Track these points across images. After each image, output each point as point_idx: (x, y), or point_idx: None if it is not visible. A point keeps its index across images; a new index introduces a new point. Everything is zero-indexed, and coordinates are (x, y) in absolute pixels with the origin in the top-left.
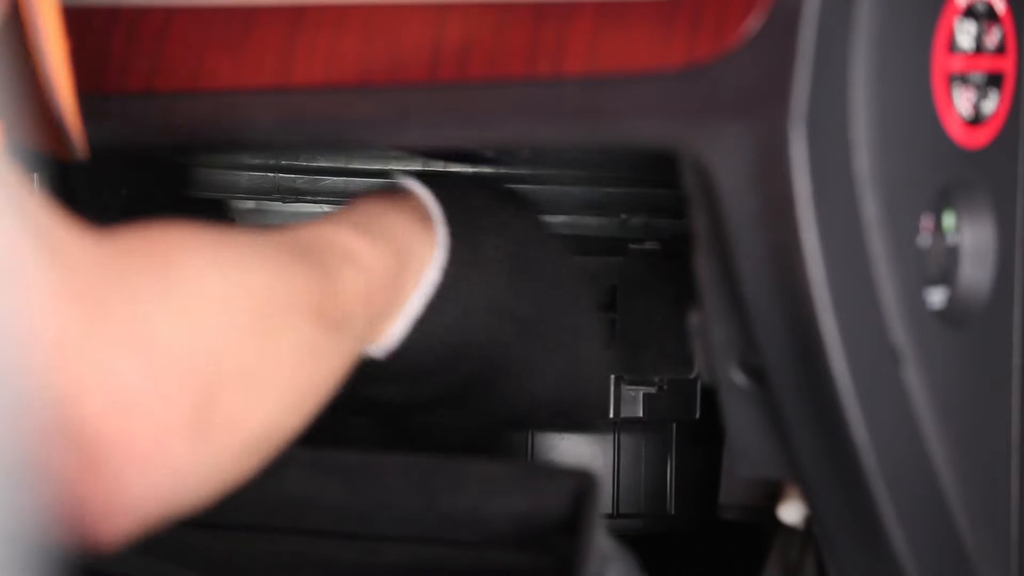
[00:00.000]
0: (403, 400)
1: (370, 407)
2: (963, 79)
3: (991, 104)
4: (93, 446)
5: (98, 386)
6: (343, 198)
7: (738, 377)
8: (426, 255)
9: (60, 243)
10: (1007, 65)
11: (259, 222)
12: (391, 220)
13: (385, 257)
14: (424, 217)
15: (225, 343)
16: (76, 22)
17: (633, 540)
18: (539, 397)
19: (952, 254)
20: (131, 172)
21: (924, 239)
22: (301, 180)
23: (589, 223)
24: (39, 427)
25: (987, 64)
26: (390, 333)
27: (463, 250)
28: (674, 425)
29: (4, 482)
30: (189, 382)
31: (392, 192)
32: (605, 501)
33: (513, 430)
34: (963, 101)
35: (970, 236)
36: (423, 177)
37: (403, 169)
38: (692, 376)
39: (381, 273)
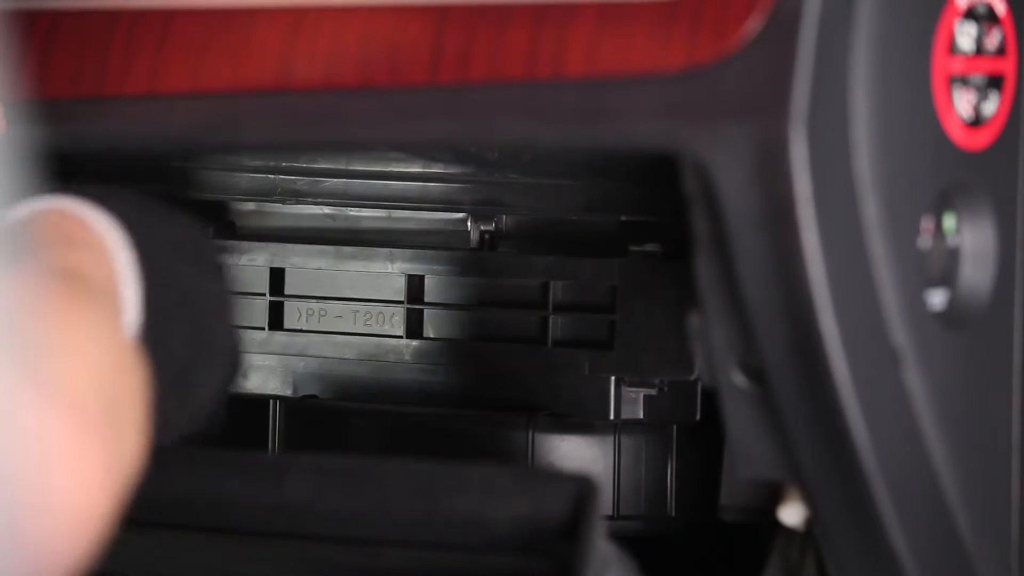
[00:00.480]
0: None
1: None
2: (963, 81)
3: (991, 106)
4: (9, 506)
5: (20, 441)
6: (344, 199)
7: (738, 379)
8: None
9: None
10: (1007, 67)
11: (260, 224)
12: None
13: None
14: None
15: (115, 384)
16: (76, 24)
17: (633, 541)
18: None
19: (952, 256)
20: (132, 174)
21: (924, 241)
22: (301, 182)
23: (589, 224)
24: None
25: (987, 66)
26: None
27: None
28: (675, 427)
29: None
30: (99, 432)
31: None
32: (605, 502)
33: None
34: (963, 103)
35: (970, 238)
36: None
37: (403, 170)
38: (692, 378)
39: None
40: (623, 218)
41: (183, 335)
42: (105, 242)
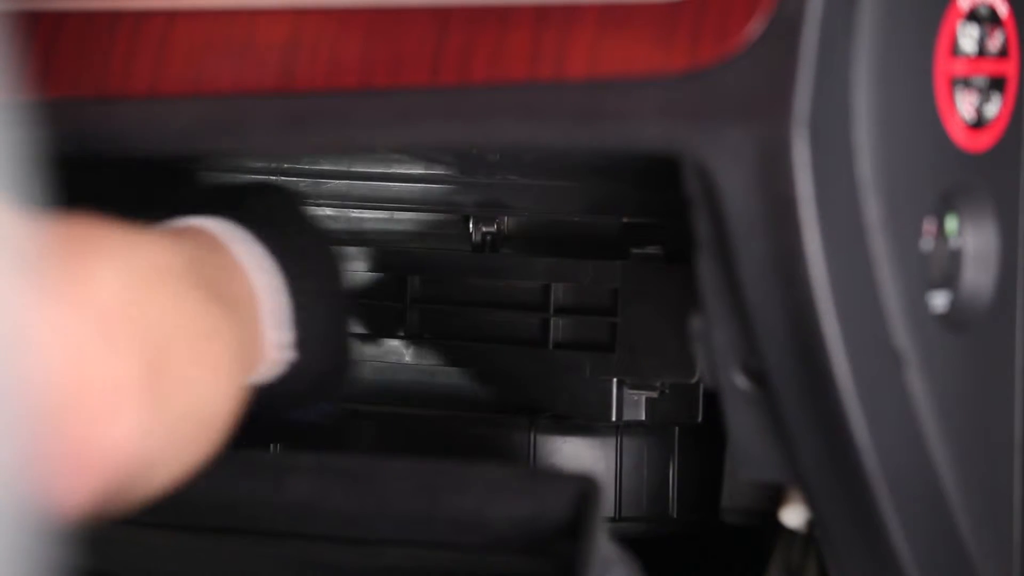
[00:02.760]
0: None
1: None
2: (966, 83)
3: (994, 108)
4: (45, 399)
5: (49, 339)
6: (345, 201)
7: (740, 381)
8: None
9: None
10: (1010, 69)
11: None
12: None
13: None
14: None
15: (167, 313)
16: (78, 26)
17: (635, 543)
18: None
19: (954, 258)
20: (134, 176)
21: (926, 243)
22: (303, 183)
23: (590, 226)
24: None
25: (990, 68)
26: (271, 357)
27: (291, 268)
28: (676, 429)
29: None
30: (134, 340)
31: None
32: (607, 504)
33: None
34: (966, 105)
35: (973, 240)
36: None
37: (405, 172)
38: (694, 381)
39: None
40: (625, 220)
41: (322, 347)
42: (246, 265)
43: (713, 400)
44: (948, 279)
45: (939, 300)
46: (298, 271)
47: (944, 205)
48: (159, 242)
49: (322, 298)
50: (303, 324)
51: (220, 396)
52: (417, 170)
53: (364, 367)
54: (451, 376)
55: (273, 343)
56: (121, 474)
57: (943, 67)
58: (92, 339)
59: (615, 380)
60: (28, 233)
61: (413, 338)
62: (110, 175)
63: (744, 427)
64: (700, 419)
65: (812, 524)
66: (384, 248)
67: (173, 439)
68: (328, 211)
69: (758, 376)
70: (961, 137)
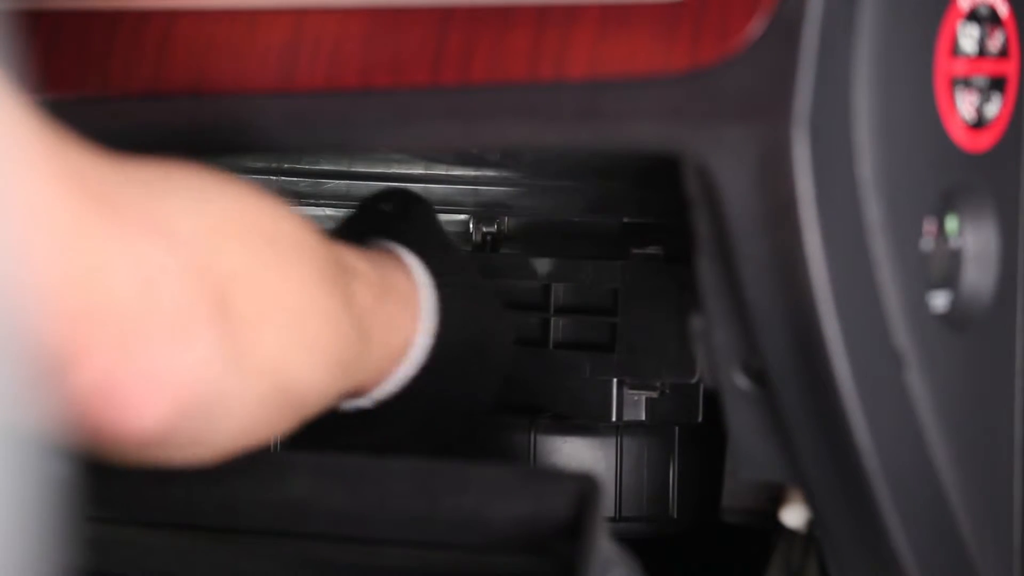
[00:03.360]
0: (388, 443)
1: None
2: (966, 83)
3: (994, 108)
4: (118, 321)
5: (120, 263)
6: (346, 201)
7: (740, 380)
8: (415, 318)
9: (70, 154)
10: (1010, 69)
11: None
12: (392, 278)
13: (384, 302)
14: (412, 282)
15: (240, 256)
16: (79, 25)
17: (635, 543)
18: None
19: (955, 258)
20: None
21: (927, 243)
22: (304, 183)
23: (591, 226)
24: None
25: (990, 68)
26: (381, 385)
27: (452, 315)
28: (676, 428)
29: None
30: (207, 275)
31: (385, 254)
32: (607, 504)
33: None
34: (966, 105)
35: (973, 240)
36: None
37: (406, 172)
38: (694, 381)
39: (383, 312)
40: (625, 220)
41: (472, 364)
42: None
43: (713, 400)
44: (948, 279)
45: (939, 300)
46: (440, 267)
47: (944, 205)
48: (265, 203)
49: (463, 289)
50: (445, 313)
51: (309, 369)
52: (417, 170)
53: None
54: None
55: (416, 330)
56: (191, 404)
57: (943, 67)
58: (164, 267)
59: (615, 380)
60: (104, 165)
61: None
62: None
63: (744, 427)
64: (700, 419)
65: (812, 524)
66: None
67: (247, 392)
68: (328, 211)
69: (758, 376)
70: (961, 137)
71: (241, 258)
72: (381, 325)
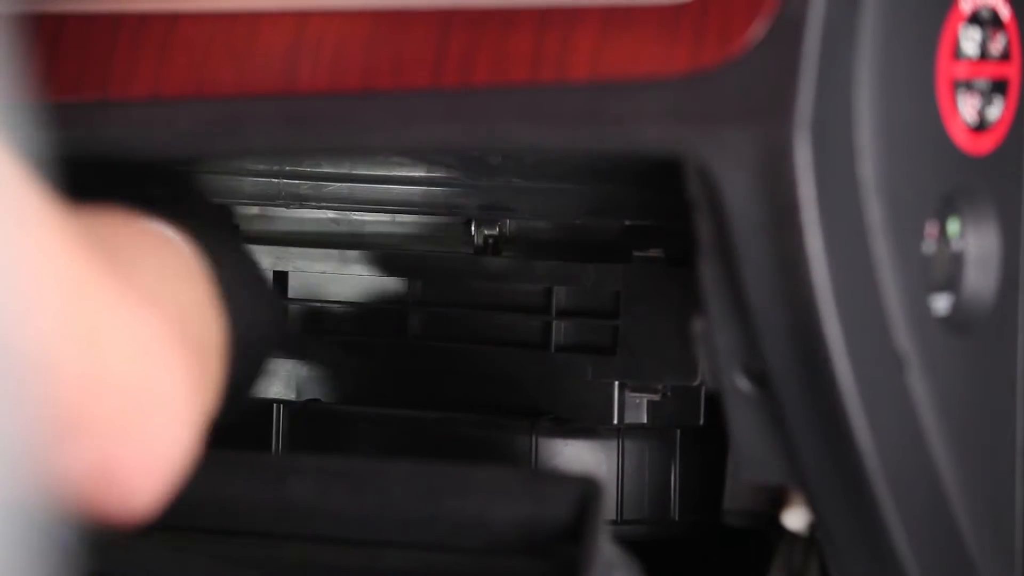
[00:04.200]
0: None
1: None
2: (968, 86)
3: (996, 111)
4: (116, 391)
5: (119, 330)
6: (347, 203)
7: (742, 383)
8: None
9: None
10: (1012, 72)
11: (263, 228)
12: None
13: None
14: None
15: (192, 307)
16: (81, 28)
17: (637, 546)
18: None
19: (956, 260)
20: (136, 178)
21: (928, 245)
22: (305, 186)
23: (593, 229)
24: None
25: (992, 71)
26: None
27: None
28: (678, 431)
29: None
30: (188, 340)
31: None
32: (609, 507)
33: None
34: (968, 108)
35: (974, 242)
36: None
37: (407, 174)
38: (696, 384)
39: None
40: (627, 223)
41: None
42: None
43: (715, 402)
44: (950, 282)
45: (941, 303)
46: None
47: (946, 208)
48: (174, 238)
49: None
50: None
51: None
52: (419, 173)
53: (365, 370)
54: (453, 379)
55: None
56: (179, 475)
57: (945, 70)
58: (156, 335)
59: (617, 383)
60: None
61: (415, 341)
62: (111, 177)
63: (746, 429)
64: (702, 421)
65: (814, 526)
66: (386, 251)
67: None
68: (330, 214)
69: (760, 378)
70: (963, 140)
71: (196, 307)
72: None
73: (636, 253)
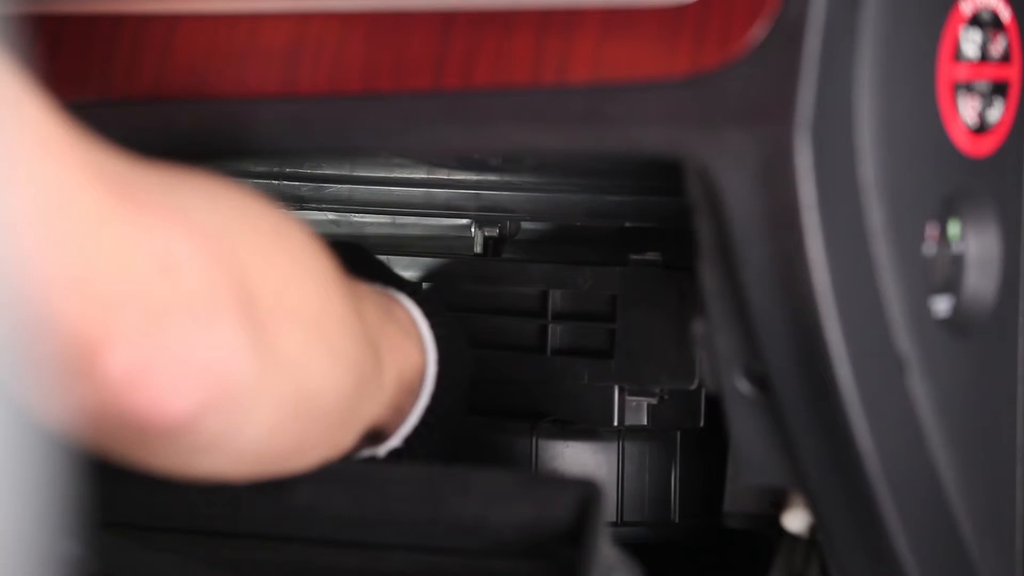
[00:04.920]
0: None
1: None
2: (968, 88)
3: (996, 113)
4: (143, 306)
5: (142, 249)
6: (348, 205)
7: (742, 385)
8: (418, 367)
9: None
10: (1012, 74)
11: None
12: (383, 298)
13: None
14: (417, 337)
15: (257, 251)
16: (82, 28)
17: (637, 548)
18: None
19: (957, 262)
20: None
21: (929, 247)
22: (305, 188)
23: (592, 230)
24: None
25: (992, 73)
26: (393, 431)
27: (449, 370)
28: (678, 433)
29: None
30: (228, 265)
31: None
32: (609, 509)
33: None
34: (968, 110)
35: (975, 244)
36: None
37: (407, 176)
38: (692, 387)
39: (386, 330)
40: (625, 225)
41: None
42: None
43: (715, 405)
44: (950, 284)
45: (941, 305)
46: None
47: (946, 210)
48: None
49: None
50: (445, 345)
51: (330, 372)
52: (419, 174)
53: None
54: None
55: (423, 361)
56: (218, 394)
57: (946, 72)
58: (186, 254)
59: (617, 386)
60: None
61: None
62: None
63: (746, 431)
64: (702, 424)
65: (814, 529)
66: (386, 253)
67: (270, 389)
68: (330, 215)
69: (760, 380)
70: (964, 142)
71: (259, 253)
72: (389, 347)
73: (632, 256)
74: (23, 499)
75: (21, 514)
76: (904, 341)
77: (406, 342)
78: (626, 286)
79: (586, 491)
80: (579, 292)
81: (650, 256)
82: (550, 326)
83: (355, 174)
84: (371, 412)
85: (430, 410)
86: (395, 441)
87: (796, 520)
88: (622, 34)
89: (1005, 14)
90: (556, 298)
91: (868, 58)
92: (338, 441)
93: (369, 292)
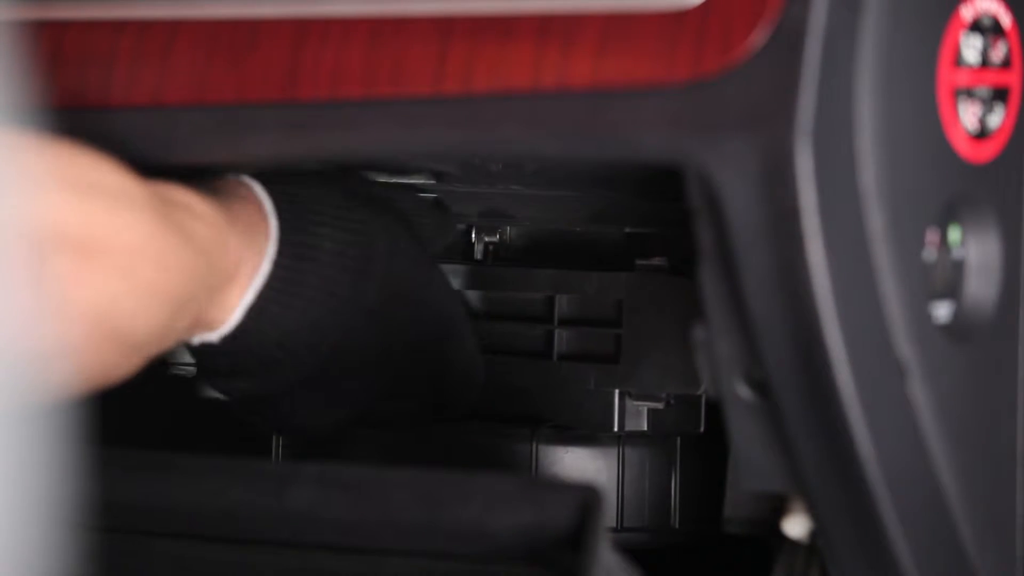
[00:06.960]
0: (260, 391)
1: (236, 403)
2: (969, 93)
3: (997, 118)
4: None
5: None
6: None
7: (743, 391)
8: (262, 247)
9: None
10: (1013, 79)
11: None
12: (235, 208)
13: (225, 232)
14: (260, 211)
15: (61, 207)
16: (82, 35)
17: (637, 553)
18: (409, 389)
19: (957, 268)
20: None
21: (929, 253)
22: None
23: (594, 236)
24: None
25: (993, 78)
26: (226, 318)
27: (295, 243)
28: (678, 439)
29: None
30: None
31: (229, 184)
32: (609, 514)
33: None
34: (969, 115)
35: (976, 250)
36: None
37: (407, 182)
38: (699, 393)
39: (222, 241)
40: (628, 230)
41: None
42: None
43: (715, 410)
44: (951, 290)
45: (942, 311)
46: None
47: (947, 215)
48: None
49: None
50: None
51: (143, 312)
52: (419, 180)
53: None
54: None
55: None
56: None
57: (946, 78)
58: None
59: (618, 392)
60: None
61: None
62: None
63: (746, 437)
64: (702, 429)
65: (814, 534)
66: None
67: (71, 336)
68: None
69: (761, 386)
70: (964, 148)
71: (62, 209)
72: (224, 256)
73: (639, 262)
74: (23, 500)
75: (21, 515)
76: (904, 347)
77: (247, 246)
78: (632, 291)
79: (586, 496)
80: (585, 297)
81: (656, 261)
82: (556, 331)
83: None
84: (197, 320)
85: (256, 308)
86: (211, 335)
87: (796, 526)
88: (622, 40)
89: (1006, 20)
90: (562, 303)
91: (869, 64)
92: (159, 350)
93: (201, 200)
